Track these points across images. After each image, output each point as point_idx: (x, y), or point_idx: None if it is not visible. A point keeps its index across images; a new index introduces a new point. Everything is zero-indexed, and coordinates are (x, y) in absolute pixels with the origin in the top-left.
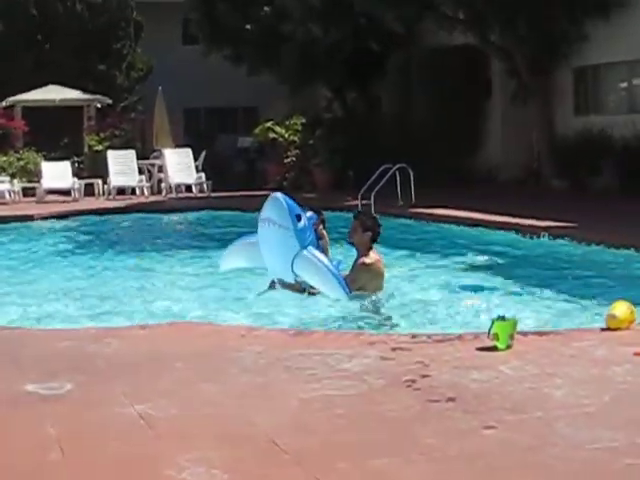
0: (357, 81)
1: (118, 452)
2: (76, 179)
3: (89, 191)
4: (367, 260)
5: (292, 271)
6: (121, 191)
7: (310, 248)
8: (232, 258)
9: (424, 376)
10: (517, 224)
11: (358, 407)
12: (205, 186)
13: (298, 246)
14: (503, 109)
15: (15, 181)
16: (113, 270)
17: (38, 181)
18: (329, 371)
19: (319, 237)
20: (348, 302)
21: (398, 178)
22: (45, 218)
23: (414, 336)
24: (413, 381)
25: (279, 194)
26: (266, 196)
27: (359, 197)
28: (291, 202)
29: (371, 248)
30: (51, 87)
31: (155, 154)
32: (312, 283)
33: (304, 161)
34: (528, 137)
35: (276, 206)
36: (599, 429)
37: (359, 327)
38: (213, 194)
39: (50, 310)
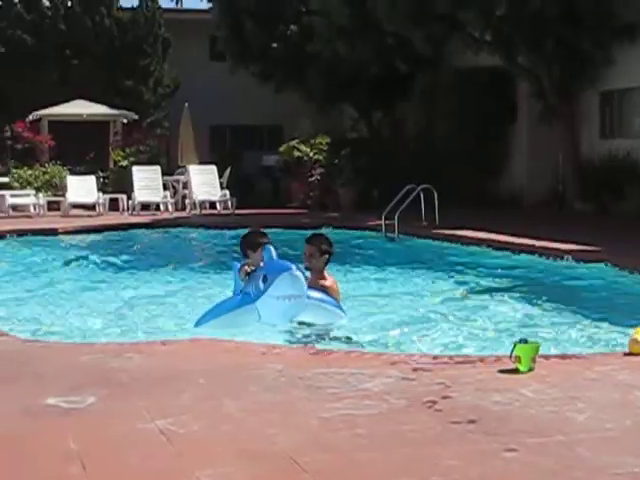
0: (383, 101)
1: (139, 467)
2: (101, 194)
3: (114, 206)
4: (328, 283)
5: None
6: (145, 207)
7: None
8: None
9: (445, 397)
10: (541, 247)
11: (378, 427)
12: (229, 203)
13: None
14: (528, 131)
15: (40, 195)
16: (135, 285)
17: (63, 195)
18: (350, 390)
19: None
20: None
21: (422, 199)
22: (69, 232)
23: (435, 357)
24: (434, 402)
25: (293, 269)
26: (289, 214)
27: (383, 217)
28: (302, 268)
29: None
30: (78, 102)
31: (180, 170)
32: (321, 322)
33: (329, 180)
34: (553, 160)
35: (296, 281)
36: (621, 454)
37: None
38: (237, 211)
39: (72, 324)
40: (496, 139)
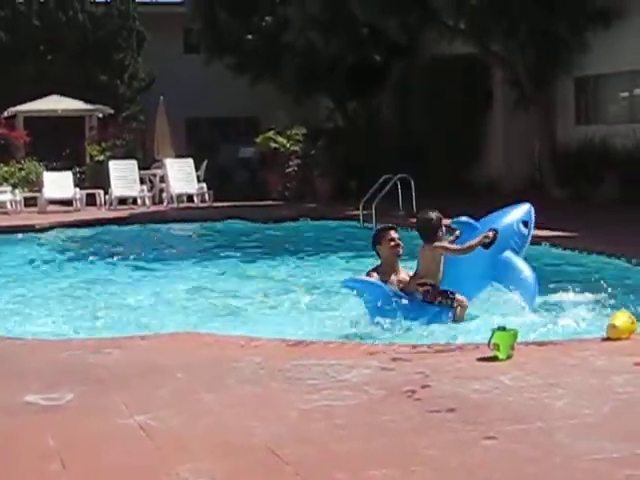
0: (358, 91)
1: (119, 463)
2: (78, 189)
3: (91, 201)
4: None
5: None
6: (122, 201)
7: None
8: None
9: (424, 386)
10: None
11: (358, 417)
12: (207, 196)
13: None
14: (504, 119)
15: (17, 191)
16: (114, 280)
17: (40, 191)
18: (329, 381)
19: None
20: None
21: (399, 188)
22: (46, 228)
23: (414, 346)
24: (413, 391)
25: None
26: (267, 206)
27: (360, 207)
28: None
29: None
30: (53, 97)
31: (156, 164)
32: None
33: (306, 171)
34: (529, 147)
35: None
36: (600, 440)
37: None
38: (215, 204)
39: (50, 321)
40: (472, 127)
